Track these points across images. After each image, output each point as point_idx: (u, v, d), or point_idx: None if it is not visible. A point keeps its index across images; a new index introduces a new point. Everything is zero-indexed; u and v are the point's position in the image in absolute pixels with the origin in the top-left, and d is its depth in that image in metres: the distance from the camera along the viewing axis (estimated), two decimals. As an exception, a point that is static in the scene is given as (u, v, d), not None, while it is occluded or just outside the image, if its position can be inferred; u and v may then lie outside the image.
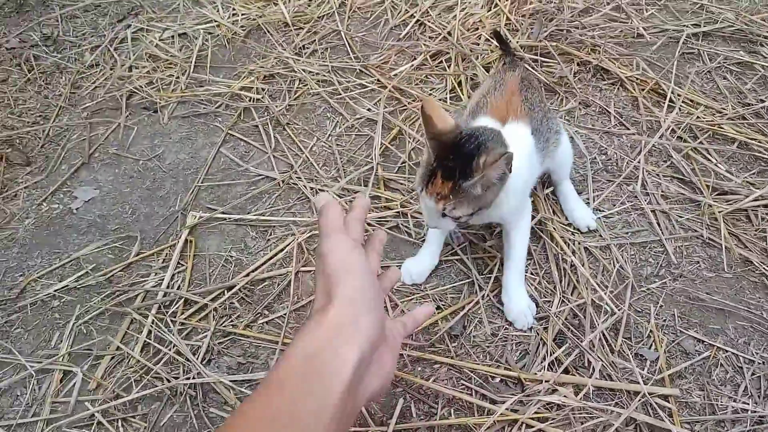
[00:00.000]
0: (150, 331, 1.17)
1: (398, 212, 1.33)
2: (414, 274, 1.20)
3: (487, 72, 1.62)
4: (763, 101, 1.48)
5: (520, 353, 1.10)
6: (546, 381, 1.02)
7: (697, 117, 1.46)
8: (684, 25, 1.73)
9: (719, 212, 1.24)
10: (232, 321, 1.18)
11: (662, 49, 1.68)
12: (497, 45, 1.62)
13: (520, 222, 1.12)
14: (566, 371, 1.05)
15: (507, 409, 0.99)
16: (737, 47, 1.66)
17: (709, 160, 1.37)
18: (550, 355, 1.07)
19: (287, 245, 1.29)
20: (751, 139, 1.40)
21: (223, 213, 1.38)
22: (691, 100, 1.51)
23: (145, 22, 2.00)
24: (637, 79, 1.58)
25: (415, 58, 1.75)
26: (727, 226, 1.23)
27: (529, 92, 1.14)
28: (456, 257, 1.24)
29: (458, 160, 0.89)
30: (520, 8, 1.82)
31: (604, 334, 1.09)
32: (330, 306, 0.60)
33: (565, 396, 1.00)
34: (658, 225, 1.26)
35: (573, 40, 1.71)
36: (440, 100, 1.60)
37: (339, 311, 0.60)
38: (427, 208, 0.95)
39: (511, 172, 0.91)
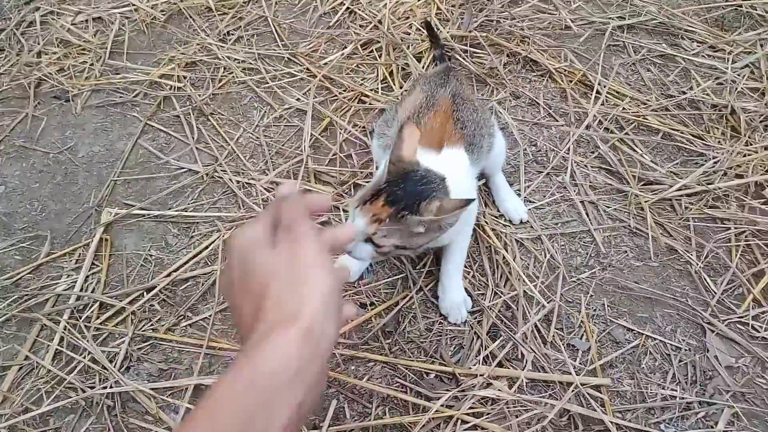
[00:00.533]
0: (62, 338, 1.09)
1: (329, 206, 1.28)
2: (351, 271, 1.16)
3: (419, 62, 1.60)
4: (684, 93, 1.52)
5: (454, 348, 1.08)
6: (480, 375, 1.01)
7: (623, 108, 1.49)
8: (610, 18, 1.76)
9: (645, 202, 1.26)
10: (152, 325, 1.11)
11: (589, 41, 1.70)
12: (427, 36, 1.60)
13: (465, 227, 1.11)
14: (500, 364, 1.04)
15: (442, 405, 0.97)
16: (660, 40, 1.70)
17: (634, 150, 1.40)
18: (485, 348, 1.06)
19: (212, 242, 1.22)
20: (674, 130, 1.44)
21: (141, 209, 1.29)
22: (617, 92, 1.54)
23: (55, 5, 1.85)
24: (565, 70, 1.59)
25: (345, 47, 1.70)
26: (653, 215, 1.25)
27: (461, 110, 1.11)
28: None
29: (408, 192, 0.87)
30: (449, -2, 1.80)
31: (536, 326, 1.09)
32: (300, 312, 0.53)
33: (499, 390, 0.99)
34: (587, 215, 1.27)
35: (503, 31, 1.70)
36: (372, 90, 1.56)
37: (311, 319, 0.52)
38: (355, 226, 0.88)
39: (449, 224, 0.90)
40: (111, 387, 1.01)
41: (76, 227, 1.28)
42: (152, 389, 1.01)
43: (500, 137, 1.26)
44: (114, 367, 1.03)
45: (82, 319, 1.11)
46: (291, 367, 0.50)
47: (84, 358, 1.06)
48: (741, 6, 1.74)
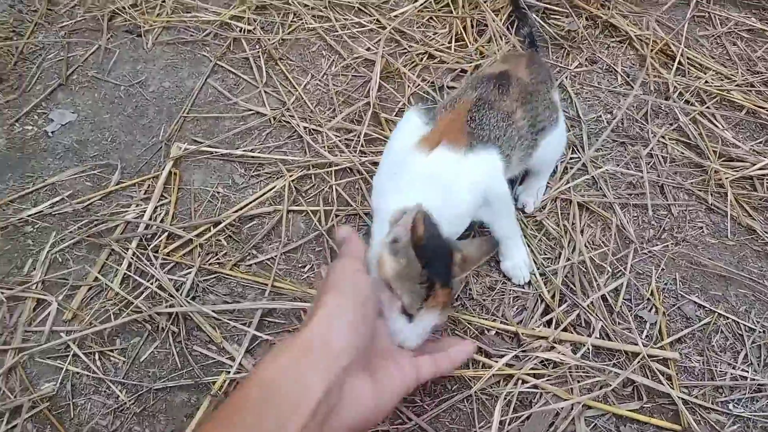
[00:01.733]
0: (130, 264, 1.11)
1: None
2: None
3: (496, 17, 1.55)
4: (772, 70, 1.44)
5: (517, 309, 1.06)
6: (544, 338, 0.99)
7: (706, 81, 1.42)
8: (696, -13, 1.67)
9: (726, 179, 1.21)
10: (218, 259, 1.12)
11: (673, 10, 1.62)
12: (514, 11, 1.54)
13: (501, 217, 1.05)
14: (564, 330, 1.02)
15: (504, 364, 0.95)
16: (749, 14, 1.61)
17: (716, 125, 1.34)
18: (548, 313, 1.04)
19: (277, 184, 1.22)
20: (759, 107, 1.37)
21: (209, 147, 1.30)
22: (700, 64, 1.47)
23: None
24: (647, 38, 1.53)
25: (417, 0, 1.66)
26: (733, 192, 1.20)
27: (482, 115, 0.99)
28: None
29: (441, 261, 0.80)
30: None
31: (604, 295, 1.06)
32: (304, 326, 0.55)
33: (563, 354, 0.97)
34: (662, 188, 1.23)
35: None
36: (443, 46, 1.53)
37: (311, 332, 0.55)
38: (419, 326, 0.80)
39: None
40: (174, 307, 1.02)
41: (146, 159, 1.29)
42: (216, 316, 1.02)
43: (559, 136, 1.15)
44: (181, 294, 1.05)
45: (150, 247, 1.13)
46: (281, 379, 0.51)
47: (151, 284, 1.07)
48: (842, -18, 1.63)
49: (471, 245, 0.84)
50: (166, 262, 1.11)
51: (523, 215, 1.18)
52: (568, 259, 1.11)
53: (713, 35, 1.56)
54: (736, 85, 1.42)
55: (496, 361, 0.96)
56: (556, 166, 1.25)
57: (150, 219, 1.16)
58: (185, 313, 1.03)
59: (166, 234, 1.14)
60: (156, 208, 1.19)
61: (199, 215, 1.19)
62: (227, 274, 1.09)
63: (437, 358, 0.76)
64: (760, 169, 1.23)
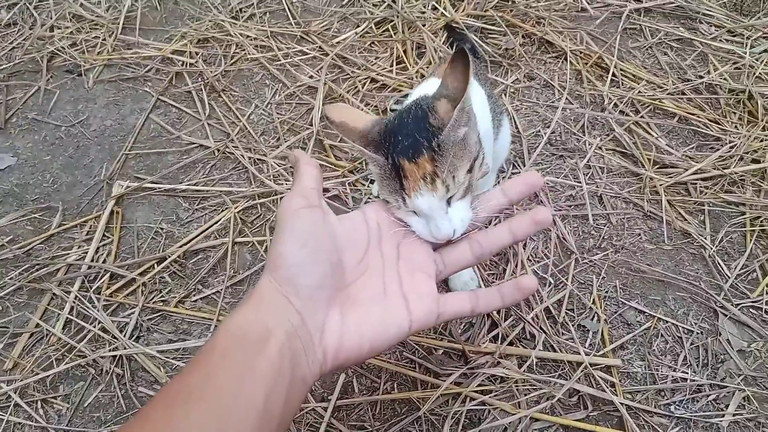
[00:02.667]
0: (72, 307, 1.09)
1: (342, 181, 1.27)
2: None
3: (434, 38, 1.58)
4: (701, 77, 1.49)
5: (464, 326, 1.07)
6: (490, 353, 1.00)
7: (639, 92, 1.47)
8: (627, 1, 1.73)
9: (660, 185, 1.25)
10: (162, 297, 1.11)
11: (605, 24, 1.68)
12: (449, 37, 1.58)
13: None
14: (510, 343, 1.03)
15: (451, 383, 0.96)
16: (677, 24, 1.67)
17: (650, 134, 1.38)
18: (494, 328, 1.06)
19: (222, 216, 1.22)
20: (691, 114, 1.42)
21: (152, 183, 1.29)
22: (633, 75, 1.52)
23: (68, -21, 1.85)
24: (581, 52, 1.57)
25: (358, 26, 1.69)
26: (668, 199, 1.24)
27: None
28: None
29: (412, 132, 0.65)
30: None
31: (548, 307, 1.08)
32: (262, 276, 0.56)
33: (507, 368, 0.98)
34: (600, 198, 1.26)
35: (518, 11, 1.68)
36: (385, 69, 1.55)
37: (267, 279, 0.55)
38: (428, 210, 0.65)
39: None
40: (118, 350, 1.01)
41: (87, 199, 1.28)
42: (161, 356, 1.01)
43: (506, 129, 1.17)
44: (124, 336, 1.03)
45: (93, 289, 1.12)
46: (245, 326, 0.52)
47: (94, 327, 1.06)
48: (761, -10, 1.71)
49: (447, 75, 0.67)
50: (108, 303, 1.10)
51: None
52: (513, 273, 1.13)
53: (644, 46, 1.62)
54: (667, 94, 1.47)
55: (444, 380, 0.97)
56: (498, 181, 1.27)
57: (92, 260, 1.15)
58: (129, 355, 1.02)
59: (108, 274, 1.13)
60: (98, 248, 1.18)
61: (143, 253, 1.18)
62: (172, 312, 1.08)
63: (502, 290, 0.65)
64: (692, 174, 1.27)
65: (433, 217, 0.65)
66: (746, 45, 1.58)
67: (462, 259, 0.68)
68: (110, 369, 1.01)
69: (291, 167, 1.28)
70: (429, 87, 0.82)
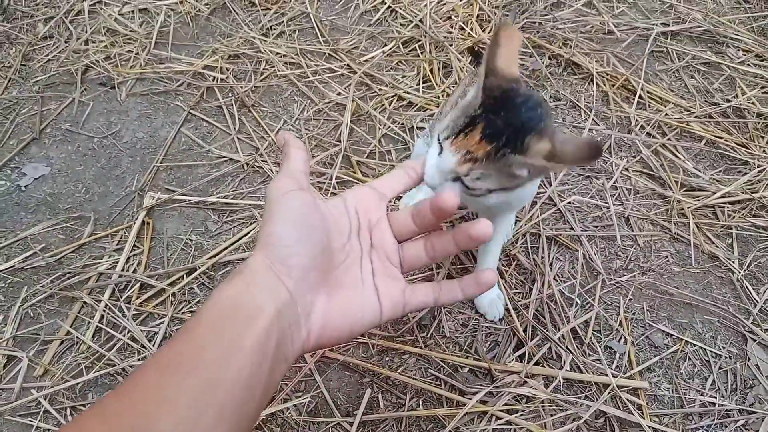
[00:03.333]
0: (102, 316, 1.11)
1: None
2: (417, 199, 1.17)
3: (461, 58, 1.60)
4: (729, 101, 1.49)
5: (489, 344, 1.08)
6: (516, 373, 1.00)
7: (666, 114, 1.47)
8: (653, 24, 1.74)
9: (688, 208, 1.24)
10: (191, 307, 1.13)
11: (632, 46, 1.69)
12: (473, 60, 1.59)
13: (511, 211, 1.06)
14: (537, 363, 1.03)
15: (478, 401, 0.96)
16: (704, 47, 1.68)
17: (677, 156, 1.38)
18: (520, 347, 1.06)
19: (251, 229, 1.24)
20: (718, 137, 1.41)
21: (182, 195, 1.31)
22: (660, 97, 1.52)
23: (103, -5, 1.90)
24: (608, 74, 1.58)
25: (386, 45, 1.72)
26: (696, 222, 1.23)
27: None
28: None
29: (510, 122, 0.64)
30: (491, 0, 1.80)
31: (574, 327, 1.08)
32: (254, 253, 0.56)
33: (534, 388, 0.98)
34: (627, 219, 1.26)
35: (545, 33, 1.70)
36: (412, 88, 1.57)
37: (260, 257, 0.55)
38: (440, 161, 0.68)
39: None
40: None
41: (119, 210, 1.30)
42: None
43: None
44: (153, 345, 1.05)
45: (123, 298, 1.13)
46: (235, 299, 0.52)
47: (124, 336, 1.07)
48: (790, 16, 1.71)
49: (568, 143, 0.64)
50: (138, 312, 1.12)
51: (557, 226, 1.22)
52: (539, 293, 1.13)
53: (671, 69, 1.62)
54: (695, 117, 1.47)
55: (470, 399, 0.97)
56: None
57: (123, 269, 1.17)
58: (158, 363, 1.03)
59: (138, 284, 1.15)
60: (128, 258, 1.20)
61: (172, 264, 1.20)
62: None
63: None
64: (720, 197, 1.27)
65: (443, 168, 0.68)
66: (774, 69, 1.57)
67: (419, 256, 0.68)
68: (139, 377, 1.02)
69: (319, 181, 1.30)
70: None
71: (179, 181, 1.36)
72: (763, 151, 1.38)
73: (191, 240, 1.24)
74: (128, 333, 1.08)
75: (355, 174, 1.34)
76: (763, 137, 1.42)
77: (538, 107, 0.65)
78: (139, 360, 1.04)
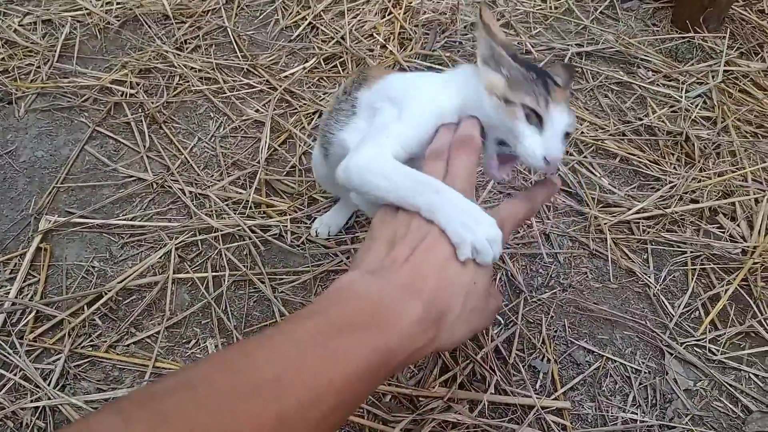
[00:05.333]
0: (-10, 354, 1.00)
1: (281, 220, 1.23)
2: (332, 226, 1.20)
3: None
4: (641, 119, 1.54)
5: (415, 368, 1.04)
6: (440, 398, 0.97)
7: (582, 132, 1.50)
8: (569, 45, 1.78)
9: (605, 224, 1.26)
10: (92, 341, 1.04)
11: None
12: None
13: None
14: (461, 386, 1.00)
15: (401, 430, 0.92)
16: (617, 68, 1.73)
17: (593, 173, 1.40)
18: (446, 371, 1.03)
19: (160, 252, 1.16)
20: (631, 154, 1.45)
21: (83, 217, 1.22)
22: (577, 116, 1.55)
23: (2, 4, 1.77)
24: (527, 93, 1.60)
25: (307, 61, 1.68)
26: (613, 237, 1.25)
27: None
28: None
29: (541, 72, 0.70)
30: (414, 18, 1.80)
31: (498, 346, 1.06)
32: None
33: (459, 413, 0.95)
34: (547, 237, 1.27)
35: (465, 52, 1.71)
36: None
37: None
38: (557, 123, 0.66)
39: None
40: (41, 400, 0.93)
41: (12, 235, 1.19)
42: (88, 407, 0.93)
43: None
44: (48, 385, 0.95)
45: (15, 332, 1.03)
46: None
47: (15, 375, 0.97)
48: (693, 38, 1.79)
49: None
50: (32, 348, 1.01)
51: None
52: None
53: (587, 89, 1.66)
54: (609, 135, 1.51)
55: (393, 428, 0.93)
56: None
57: (14, 302, 1.06)
58: (54, 406, 0.94)
59: (32, 317, 1.05)
60: (21, 288, 1.09)
61: (72, 293, 1.10)
62: (102, 357, 1.01)
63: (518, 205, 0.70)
64: (635, 213, 1.30)
65: (561, 130, 0.66)
66: (681, 89, 1.64)
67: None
68: (31, 422, 0.92)
69: (234, 202, 1.24)
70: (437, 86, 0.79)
71: (81, 202, 1.27)
72: (674, 167, 1.43)
73: (93, 267, 1.15)
74: (20, 372, 0.98)
75: (269, 198, 1.29)
76: (673, 154, 1.47)
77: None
78: (32, 401, 0.94)
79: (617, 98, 1.63)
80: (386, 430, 0.93)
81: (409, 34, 1.75)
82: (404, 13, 1.82)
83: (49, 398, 0.93)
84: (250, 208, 1.25)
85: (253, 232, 1.20)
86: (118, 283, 1.10)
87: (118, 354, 1.01)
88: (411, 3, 1.84)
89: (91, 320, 1.06)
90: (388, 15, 1.82)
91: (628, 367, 1.06)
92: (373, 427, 0.94)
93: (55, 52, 1.61)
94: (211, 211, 1.24)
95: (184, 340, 1.05)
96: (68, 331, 1.04)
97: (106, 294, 1.08)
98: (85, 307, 1.07)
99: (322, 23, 1.80)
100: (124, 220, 1.22)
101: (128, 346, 1.03)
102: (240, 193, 1.28)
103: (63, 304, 1.08)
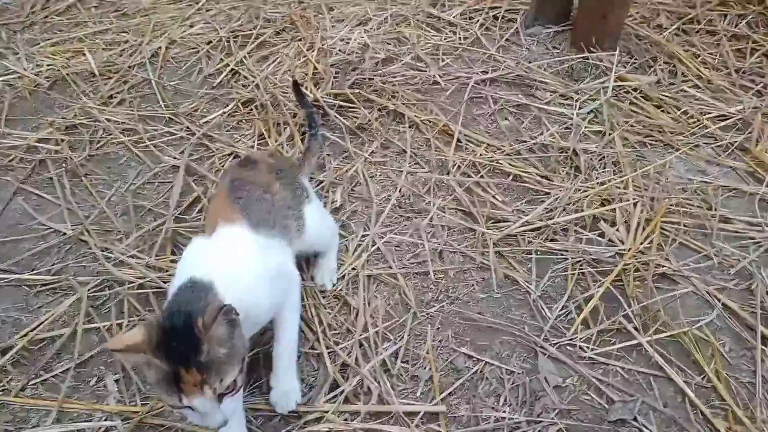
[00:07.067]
0: None
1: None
2: None
3: (294, 118, 1.69)
4: (534, 138, 1.65)
5: (306, 387, 1.12)
6: (325, 412, 1.05)
7: (479, 154, 1.61)
8: (474, 73, 1.90)
9: (490, 239, 1.36)
10: (3, 386, 1.11)
11: (455, 94, 1.83)
12: (295, 96, 1.68)
13: (286, 304, 1.10)
14: (347, 399, 1.08)
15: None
16: (517, 91, 1.85)
17: (489, 192, 1.50)
18: (336, 387, 1.11)
19: (69, 301, 1.24)
20: (525, 172, 1.56)
21: (2, 271, 1.30)
22: (477, 140, 1.66)
23: (-63, 73, 1.87)
24: (430, 122, 1.71)
25: (227, 105, 1.79)
26: (499, 250, 1.35)
27: (243, 190, 1.13)
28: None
29: (182, 342, 0.82)
30: (325, 58, 1.92)
31: (385, 361, 1.15)
32: None
33: (331, 422, 1.03)
34: (440, 254, 1.36)
35: (376, 87, 1.82)
36: (249, 147, 1.64)
37: None
38: (202, 410, 0.83)
39: (237, 315, 0.87)
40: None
41: (-67, 292, 1.27)
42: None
43: (317, 220, 1.26)
44: (-42, 430, 1.02)
45: (-69, 384, 1.10)
46: None
47: (-72, 423, 1.04)
48: (588, 58, 1.92)
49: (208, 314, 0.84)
50: (-55, 396, 1.09)
51: (321, 293, 1.28)
52: (355, 331, 1.19)
53: (488, 113, 1.78)
54: (505, 155, 1.61)
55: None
56: (347, 245, 1.36)
57: (-71, 354, 1.14)
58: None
59: (-53, 367, 1.12)
60: (-64, 341, 1.17)
61: (-13, 343, 1.18)
62: (11, 401, 1.08)
63: None
64: (520, 226, 1.40)
65: (207, 414, 0.83)
66: (575, 107, 1.76)
67: None
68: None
69: (140, 251, 1.33)
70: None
71: (4, 257, 1.35)
72: (563, 181, 1.53)
73: (9, 317, 1.23)
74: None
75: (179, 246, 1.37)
76: (563, 169, 1.57)
77: (182, 310, 0.86)
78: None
79: (516, 119, 1.75)
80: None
81: (322, 75, 1.86)
82: (317, 54, 1.93)
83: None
84: (155, 256, 1.33)
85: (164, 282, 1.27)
86: (21, 338, 1.17)
87: (26, 397, 1.09)
88: (323, 46, 1.96)
89: (3, 367, 1.13)
90: (303, 57, 1.94)
91: (503, 369, 1.14)
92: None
93: (-14, 116, 1.71)
94: (121, 260, 1.32)
95: (88, 379, 1.13)
96: (-19, 378, 1.11)
97: (14, 347, 1.16)
98: (0, 354, 1.15)
99: (243, 69, 1.92)
100: (40, 272, 1.31)
101: (36, 386, 1.11)
102: (154, 239, 1.37)
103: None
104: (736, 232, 1.41)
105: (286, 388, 1.08)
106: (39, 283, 1.29)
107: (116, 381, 1.12)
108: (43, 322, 1.21)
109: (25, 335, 1.18)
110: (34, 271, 1.31)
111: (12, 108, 1.77)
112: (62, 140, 1.65)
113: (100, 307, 1.25)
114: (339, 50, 1.95)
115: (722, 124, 1.71)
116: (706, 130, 1.69)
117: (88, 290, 1.26)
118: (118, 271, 1.29)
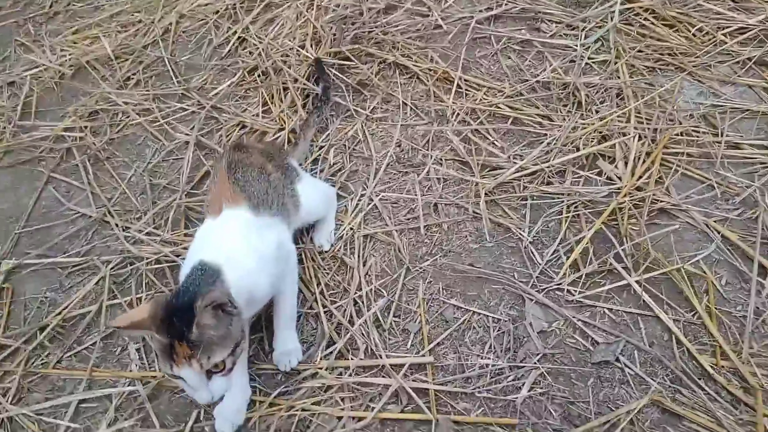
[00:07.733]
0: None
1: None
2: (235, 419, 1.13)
3: (296, 82, 1.71)
4: (537, 76, 1.61)
5: (306, 345, 1.20)
6: (319, 368, 1.13)
7: (479, 99, 1.59)
8: (478, 11, 1.85)
9: (482, 188, 1.37)
10: (42, 360, 1.25)
11: (457, 37, 1.80)
12: (316, 71, 1.71)
13: (287, 278, 1.18)
14: (341, 354, 1.16)
15: (276, 396, 1.09)
16: (522, 25, 1.79)
17: (488, 138, 1.50)
18: (332, 344, 1.18)
19: (97, 279, 1.36)
20: (524, 114, 1.53)
21: (37, 257, 1.44)
22: (477, 84, 1.64)
23: (-27, 74, 2.02)
24: (431, 71, 1.70)
25: (235, 75, 1.83)
26: (494, 198, 1.36)
27: (241, 172, 1.21)
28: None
29: (181, 319, 0.91)
30: (323, 17, 1.91)
31: (378, 316, 1.20)
32: None
33: (323, 377, 1.11)
34: (435, 207, 1.38)
35: (377, 39, 1.81)
36: (255, 115, 1.69)
37: None
38: (190, 381, 0.93)
39: (236, 308, 0.96)
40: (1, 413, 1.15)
41: (-19, 280, 1.43)
42: (35, 412, 1.15)
43: (311, 194, 1.32)
44: (6, 400, 1.18)
45: (-18, 362, 1.26)
46: None
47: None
48: (596, -19, 1.82)
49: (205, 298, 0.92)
50: (-6, 372, 1.24)
51: (319, 254, 1.34)
52: (357, 290, 1.25)
53: (491, 53, 1.74)
54: (505, 97, 1.59)
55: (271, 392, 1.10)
56: (346, 206, 1.41)
57: (-20, 336, 1.30)
58: (11, 417, 1.16)
59: (-6, 347, 1.28)
60: (-14, 324, 1.32)
61: (29, 323, 1.32)
62: (49, 373, 1.23)
63: None
64: (515, 172, 1.39)
65: (195, 387, 0.93)
66: (581, 37, 1.69)
67: None
68: (-6, 432, 1.15)
69: (156, 228, 1.42)
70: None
71: (39, 243, 1.49)
72: (563, 119, 1.50)
73: (46, 297, 1.37)
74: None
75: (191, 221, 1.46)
76: (565, 106, 1.54)
77: (189, 289, 0.97)
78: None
79: (518, 57, 1.70)
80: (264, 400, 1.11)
81: (321, 34, 1.86)
82: (316, 11, 1.93)
83: (7, 411, 1.16)
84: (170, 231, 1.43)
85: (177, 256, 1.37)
86: (56, 316, 1.31)
87: (62, 368, 1.23)
88: (321, 2, 1.96)
89: (41, 343, 1.28)
90: (304, 18, 1.94)
91: (490, 318, 1.18)
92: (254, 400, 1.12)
93: (17, 111, 1.84)
94: (140, 239, 1.43)
95: (114, 349, 1.26)
96: (23, 355, 1.26)
97: (49, 324, 1.30)
98: (38, 332, 1.29)
99: (249, 35, 1.95)
100: (71, 255, 1.43)
101: (70, 358, 1.25)
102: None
103: (19, 334, 1.30)
104: (744, 158, 1.35)
105: (287, 348, 1.17)
106: (70, 264, 1.42)
107: (137, 350, 1.24)
108: (73, 301, 1.34)
109: (59, 314, 1.32)
110: (66, 254, 1.44)
111: (40, 100, 1.89)
112: (85, 127, 1.75)
113: (123, 283, 1.37)
114: (336, 5, 1.93)
115: (741, 37, 1.60)
116: (722, 47, 1.59)
117: (111, 268, 1.38)
118: (136, 249, 1.40)
